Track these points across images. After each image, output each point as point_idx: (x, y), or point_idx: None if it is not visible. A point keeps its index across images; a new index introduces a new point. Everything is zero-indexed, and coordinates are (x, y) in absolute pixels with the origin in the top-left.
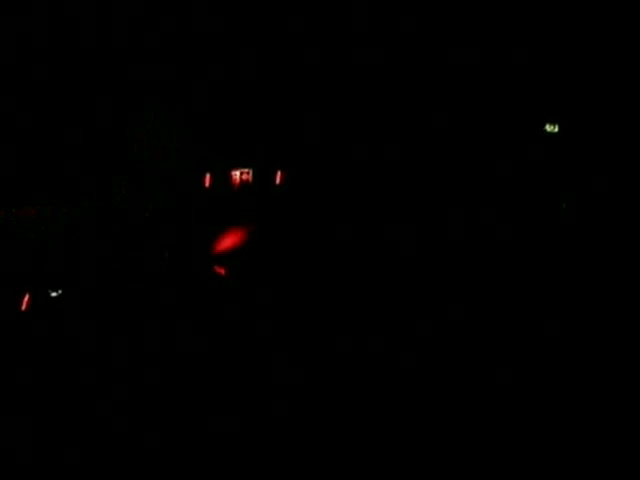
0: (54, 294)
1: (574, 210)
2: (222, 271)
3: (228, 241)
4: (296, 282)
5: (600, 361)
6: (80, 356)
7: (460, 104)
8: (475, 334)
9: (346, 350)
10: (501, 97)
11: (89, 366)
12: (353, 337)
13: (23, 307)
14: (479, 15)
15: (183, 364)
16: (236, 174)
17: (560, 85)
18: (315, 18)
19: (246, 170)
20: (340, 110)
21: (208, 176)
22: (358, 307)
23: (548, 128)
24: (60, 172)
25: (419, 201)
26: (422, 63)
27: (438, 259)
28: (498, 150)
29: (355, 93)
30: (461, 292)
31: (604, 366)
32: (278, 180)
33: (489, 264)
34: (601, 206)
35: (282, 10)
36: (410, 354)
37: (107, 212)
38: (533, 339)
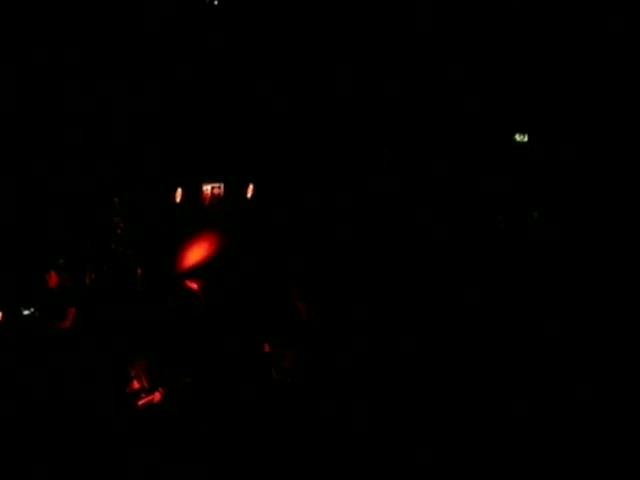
0: (26, 312)
1: (545, 220)
2: (194, 285)
3: (200, 255)
4: (267, 295)
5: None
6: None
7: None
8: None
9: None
10: (471, 108)
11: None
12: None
13: None
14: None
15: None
16: (207, 189)
17: (530, 95)
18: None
19: (217, 185)
20: (313, 124)
21: (179, 191)
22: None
23: (518, 137)
24: None
25: (389, 219)
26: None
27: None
28: (469, 161)
29: (326, 109)
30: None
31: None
32: (250, 194)
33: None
34: (573, 216)
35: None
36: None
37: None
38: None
